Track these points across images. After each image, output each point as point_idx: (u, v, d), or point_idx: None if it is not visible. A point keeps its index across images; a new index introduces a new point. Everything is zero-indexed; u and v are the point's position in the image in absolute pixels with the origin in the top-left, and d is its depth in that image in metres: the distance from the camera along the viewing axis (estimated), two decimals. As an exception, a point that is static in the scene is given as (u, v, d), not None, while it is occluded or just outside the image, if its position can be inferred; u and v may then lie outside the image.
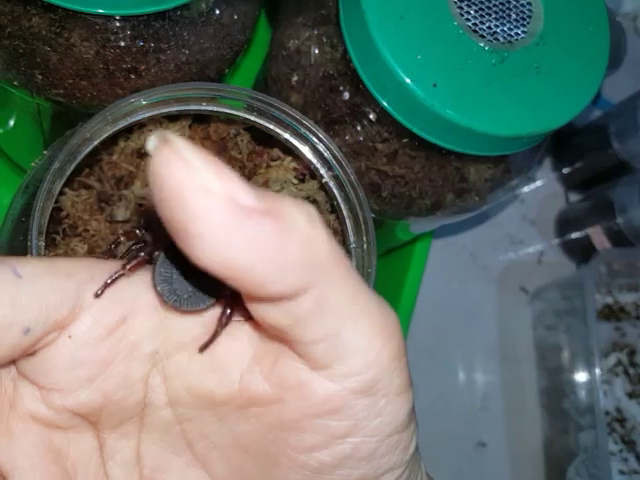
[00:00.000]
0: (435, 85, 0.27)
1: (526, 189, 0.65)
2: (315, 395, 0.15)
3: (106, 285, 0.15)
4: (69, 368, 0.15)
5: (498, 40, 0.30)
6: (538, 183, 0.66)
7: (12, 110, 0.41)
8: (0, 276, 0.14)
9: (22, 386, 0.16)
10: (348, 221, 0.28)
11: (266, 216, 0.13)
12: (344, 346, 0.14)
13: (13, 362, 0.16)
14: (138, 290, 0.16)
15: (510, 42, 0.30)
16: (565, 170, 0.65)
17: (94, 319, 0.15)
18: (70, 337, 0.15)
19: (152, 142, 0.12)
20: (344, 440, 0.15)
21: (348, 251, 0.31)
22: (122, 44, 0.30)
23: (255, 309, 0.15)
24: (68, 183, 0.31)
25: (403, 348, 0.16)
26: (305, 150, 0.28)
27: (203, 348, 0.16)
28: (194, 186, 0.12)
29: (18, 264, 0.14)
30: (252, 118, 0.28)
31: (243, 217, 0.13)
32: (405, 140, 0.33)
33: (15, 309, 0.14)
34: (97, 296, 0.15)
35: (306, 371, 0.15)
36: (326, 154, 0.27)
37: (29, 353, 0.15)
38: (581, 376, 0.54)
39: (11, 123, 0.43)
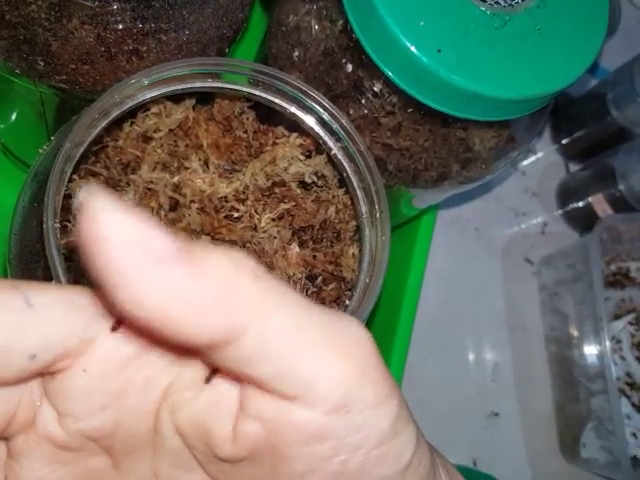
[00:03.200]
0: (439, 51, 0.27)
1: (527, 161, 0.65)
2: (292, 423, 0.15)
3: (122, 320, 0.15)
4: (83, 396, 0.16)
5: (499, 4, 0.30)
6: (538, 155, 0.66)
7: (14, 103, 0.40)
8: (10, 302, 0.14)
9: (45, 406, 0.16)
10: (359, 192, 0.28)
11: (178, 261, 0.13)
12: (303, 376, 0.15)
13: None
14: None
15: (511, 5, 0.30)
16: (564, 140, 0.65)
17: (109, 353, 0.15)
18: (85, 370, 0.15)
19: (79, 198, 0.13)
20: (331, 461, 0.16)
21: (360, 223, 0.31)
22: (122, 26, 0.30)
23: (206, 357, 0.15)
24: (76, 171, 0.31)
25: (373, 361, 0.16)
26: (312, 123, 0.28)
27: (208, 379, 0.16)
28: (105, 235, 0.13)
29: (33, 293, 0.14)
30: (257, 93, 0.28)
31: (153, 263, 0.13)
32: (410, 111, 0.33)
33: (20, 336, 0.14)
34: (113, 330, 0.15)
35: (278, 403, 0.15)
36: (334, 126, 0.27)
37: (48, 374, 0.16)
38: (590, 342, 0.55)
39: (13, 117, 0.43)
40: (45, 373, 0.16)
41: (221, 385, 0.16)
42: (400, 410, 0.16)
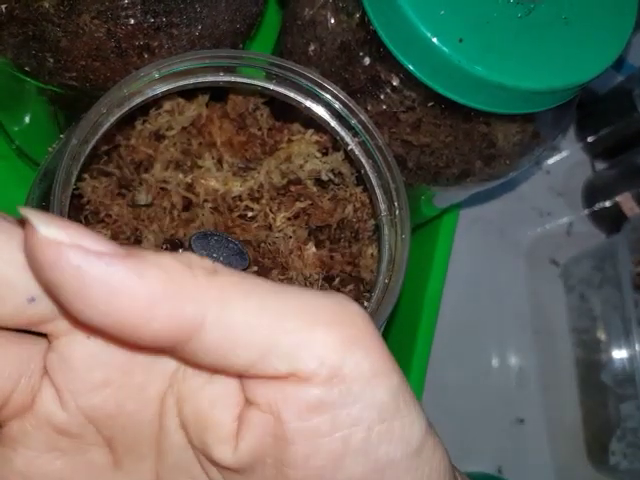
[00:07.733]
0: (461, 40, 0.26)
1: (551, 160, 0.63)
2: (288, 398, 0.15)
3: None
4: (85, 368, 0.15)
5: (523, -9, 0.29)
6: (563, 153, 0.64)
7: (27, 104, 0.40)
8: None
9: (45, 387, 0.16)
10: (377, 190, 0.27)
11: (121, 258, 0.13)
12: (284, 351, 0.14)
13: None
14: None
15: (536, -7, 0.29)
16: (590, 138, 0.64)
17: None
18: (89, 338, 0.15)
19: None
20: (332, 436, 0.15)
21: (379, 222, 0.30)
22: (133, 21, 0.29)
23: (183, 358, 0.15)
24: (87, 171, 0.31)
25: (366, 330, 0.15)
26: (327, 117, 0.27)
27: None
28: (43, 244, 0.13)
29: None
30: (271, 87, 0.27)
31: (94, 259, 0.13)
32: (430, 105, 0.32)
33: (23, 273, 0.14)
34: None
35: (273, 384, 0.15)
36: (352, 121, 0.26)
37: (48, 339, 0.15)
38: (618, 346, 0.53)
39: (27, 119, 0.43)
40: (32, 326, 0.15)
41: (226, 378, 0.16)
42: (402, 387, 0.16)
